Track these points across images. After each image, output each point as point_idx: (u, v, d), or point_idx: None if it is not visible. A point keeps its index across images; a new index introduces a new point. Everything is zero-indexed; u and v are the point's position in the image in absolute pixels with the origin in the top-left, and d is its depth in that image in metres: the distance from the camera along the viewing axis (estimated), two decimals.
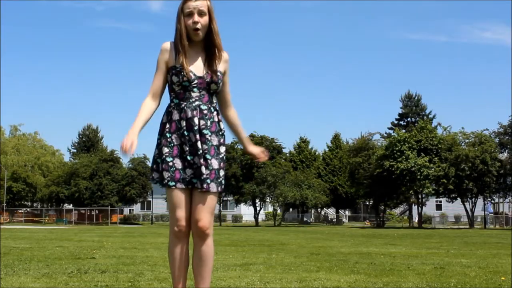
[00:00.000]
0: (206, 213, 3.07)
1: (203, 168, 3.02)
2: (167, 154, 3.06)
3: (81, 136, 73.08)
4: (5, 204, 54.17)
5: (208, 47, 3.14)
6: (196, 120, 3.05)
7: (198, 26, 3.04)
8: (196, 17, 3.04)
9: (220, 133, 3.16)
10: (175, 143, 3.08)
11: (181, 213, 3.08)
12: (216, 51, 3.13)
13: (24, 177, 55.89)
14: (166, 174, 3.05)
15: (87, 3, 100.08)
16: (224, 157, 3.15)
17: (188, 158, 3.05)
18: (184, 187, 3.06)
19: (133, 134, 3.00)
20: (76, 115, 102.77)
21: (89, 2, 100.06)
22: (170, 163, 3.05)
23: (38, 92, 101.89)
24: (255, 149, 3.42)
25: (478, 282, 5.74)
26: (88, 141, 72.07)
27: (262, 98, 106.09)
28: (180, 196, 3.07)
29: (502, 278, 6.13)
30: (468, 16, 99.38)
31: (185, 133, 3.06)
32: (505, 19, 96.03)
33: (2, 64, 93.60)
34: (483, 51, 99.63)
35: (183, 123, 3.07)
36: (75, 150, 71.21)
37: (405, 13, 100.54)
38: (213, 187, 3.06)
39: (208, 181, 3.04)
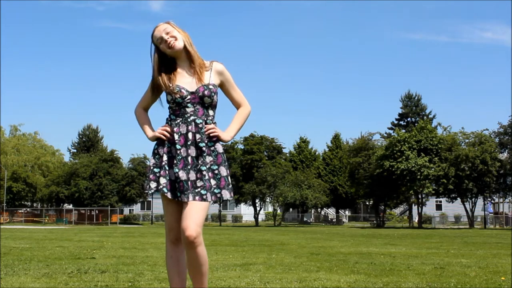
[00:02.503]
0: (193, 223, 3.03)
1: (198, 182, 3.11)
2: (165, 163, 3.16)
3: (81, 136, 73.05)
4: (5, 204, 54.15)
5: (193, 63, 3.26)
6: (190, 135, 3.16)
7: (170, 39, 3.18)
8: (165, 36, 3.18)
9: (222, 146, 3.26)
10: (173, 154, 3.18)
11: (173, 222, 3.18)
12: (197, 68, 3.24)
13: (24, 177, 55.86)
14: (162, 180, 3.14)
15: (87, 3, 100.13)
16: (226, 162, 3.24)
17: (175, 170, 3.14)
18: (170, 197, 3.15)
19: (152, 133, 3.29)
20: (76, 115, 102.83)
21: (90, 2, 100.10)
22: (167, 172, 3.16)
23: (38, 92, 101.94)
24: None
25: (478, 282, 5.74)
26: (88, 141, 72.05)
27: (262, 98, 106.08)
28: (172, 205, 3.18)
29: (502, 278, 6.13)
30: (468, 16, 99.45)
31: (178, 146, 3.15)
32: (505, 19, 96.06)
33: (2, 64, 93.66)
34: (484, 51, 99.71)
35: (176, 137, 3.17)
36: (75, 150, 71.18)
37: (405, 13, 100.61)
38: (209, 197, 3.12)
39: (204, 191, 3.10)
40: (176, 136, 3.16)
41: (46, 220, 53.12)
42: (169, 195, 3.12)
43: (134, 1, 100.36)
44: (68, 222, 51.30)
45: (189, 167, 3.12)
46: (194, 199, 3.09)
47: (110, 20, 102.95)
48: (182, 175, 3.10)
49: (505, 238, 19.39)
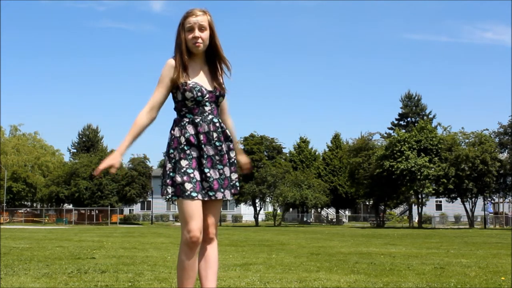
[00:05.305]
0: (215, 220, 3.26)
1: (219, 180, 3.15)
2: (187, 167, 3.10)
3: (81, 136, 73.10)
4: (5, 204, 54.14)
5: (211, 60, 3.25)
6: (211, 134, 3.15)
7: (199, 40, 3.14)
8: (197, 32, 3.13)
9: (229, 139, 3.25)
10: (194, 155, 3.13)
11: (197, 224, 3.11)
12: (223, 64, 3.25)
13: (24, 177, 55.87)
14: (188, 186, 3.08)
15: (88, 3, 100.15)
16: (235, 160, 3.28)
17: (206, 171, 3.11)
18: (201, 198, 3.11)
19: (116, 155, 3.05)
20: (76, 115, 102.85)
21: (90, 2, 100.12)
22: (191, 175, 3.10)
23: (38, 92, 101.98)
24: (243, 159, 3.50)
25: (478, 282, 5.74)
26: (88, 141, 72.10)
27: (262, 98, 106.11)
28: (197, 207, 3.11)
29: (502, 278, 6.13)
30: (468, 16, 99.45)
31: (203, 146, 3.12)
32: (505, 19, 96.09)
33: (2, 64, 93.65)
34: (484, 51, 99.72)
35: (201, 137, 3.13)
36: (75, 150, 71.22)
37: (406, 13, 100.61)
38: (228, 195, 3.19)
39: (222, 189, 3.16)
40: (201, 136, 3.12)
41: (46, 220, 53.11)
42: (199, 196, 3.08)
43: (135, 1, 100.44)
44: (68, 222, 51.29)
45: (216, 165, 3.14)
46: (218, 197, 3.15)
47: (111, 20, 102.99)
48: (213, 173, 3.12)
49: (505, 238, 19.39)
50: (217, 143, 3.15)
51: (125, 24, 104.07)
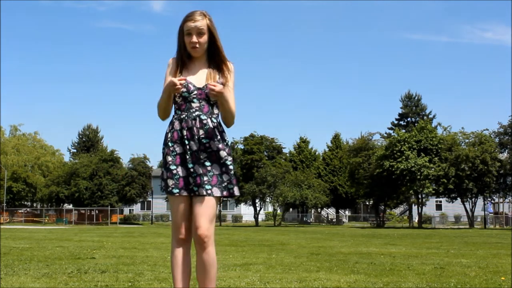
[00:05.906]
0: (205, 221, 3.08)
1: (203, 176, 3.10)
2: (170, 163, 3.15)
3: (81, 136, 73.10)
4: (5, 204, 54.13)
5: (212, 61, 3.25)
6: (195, 129, 3.13)
7: (196, 45, 3.18)
8: (194, 38, 3.16)
9: (225, 142, 3.20)
10: (178, 151, 3.15)
11: (182, 220, 3.15)
12: (223, 66, 3.24)
13: (24, 177, 55.84)
14: (170, 182, 3.13)
15: (88, 3, 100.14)
16: (231, 163, 3.22)
17: (189, 166, 3.11)
18: (186, 194, 3.13)
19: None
20: (76, 115, 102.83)
21: (90, 2, 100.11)
22: (174, 171, 3.13)
23: (38, 92, 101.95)
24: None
25: (478, 282, 5.74)
26: (88, 141, 72.10)
27: (262, 98, 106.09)
28: (182, 204, 3.14)
29: (502, 278, 6.13)
30: (468, 16, 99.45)
31: (186, 142, 3.13)
32: (506, 19, 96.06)
33: (2, 64, 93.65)
34: (484, 51, 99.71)
35: (184, 132, 3.14)
36: (75, 150, 71.23)
37: (406, 13, 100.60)
38: (216, 192, 3.11)
39: (208, 186, 3.09)
40: (184, 132, 3.14)
41: (46, 220, 53.09)
42: (183, 193, 3.10)
43: (135, 1, 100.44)
44: (68, 222, 51.27)
45: (201, 161, 3.11)
46: (202, 194, 3.07)
47: (111, 20, 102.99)
48: (197, 169, 3.10)
49: (505, 238, 19.39)
50: (203, 140, 3.13)
51: (125, 24, 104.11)
